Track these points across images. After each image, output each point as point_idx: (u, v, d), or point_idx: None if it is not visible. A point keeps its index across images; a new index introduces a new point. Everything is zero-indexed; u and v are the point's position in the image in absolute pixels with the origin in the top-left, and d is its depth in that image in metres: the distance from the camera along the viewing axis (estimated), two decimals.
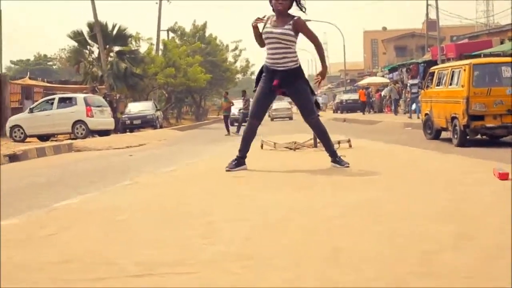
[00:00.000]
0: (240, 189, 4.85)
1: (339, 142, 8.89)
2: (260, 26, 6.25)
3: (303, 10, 6.21)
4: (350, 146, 8.95)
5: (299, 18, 6.22)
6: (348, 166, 6.12)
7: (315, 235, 2.99)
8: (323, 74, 6.54)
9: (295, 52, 6.25)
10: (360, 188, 4.61)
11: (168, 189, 4.93)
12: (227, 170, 6.17)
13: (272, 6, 6.19)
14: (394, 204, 3.74)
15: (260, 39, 6.29)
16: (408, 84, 31.86)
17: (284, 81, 6.18)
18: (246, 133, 6.47)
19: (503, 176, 4.73)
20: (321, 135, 6.49)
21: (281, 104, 45.26)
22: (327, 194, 4.40)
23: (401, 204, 3.74)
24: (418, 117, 27.08)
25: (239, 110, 26.66)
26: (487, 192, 4.12)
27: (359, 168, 5.93)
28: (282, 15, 6.16)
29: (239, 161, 6.31)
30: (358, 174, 5.59)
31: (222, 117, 26.36)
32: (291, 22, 6.14)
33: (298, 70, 6.29)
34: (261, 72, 6.41)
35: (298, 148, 8.92)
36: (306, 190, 4.63)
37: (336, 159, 6.31)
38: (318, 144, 8.93)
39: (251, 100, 25.68)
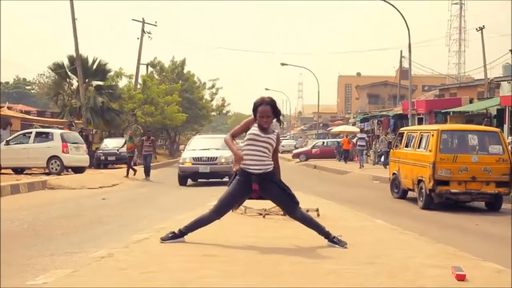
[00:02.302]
0: (208, 275, 5.07)
1: (307, 211, 9.17)
2: None
3: (281, 125, 6.80)
4: (318, 215, 9.20)
5: (278, 133, 6.73)
6: (346, 247, 6.45)
7: None
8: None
9: (270, 157, 6.61)
10: (321, 283, 4.86)
11: (137, 274, 5.11)
12: (161, 242, 6.55)
13: (256, 119, 6.57)
14: None
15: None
16: (357, 137, 33.05)
17: (260, 184, 6.49)
18: (202, 220, 6.68)
19: (460, 277, 5.05)
20: (309, 225, 6.73)
21: None
22: None
23: None
24: (361, 167, 29.70)
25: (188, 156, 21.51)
26: None
27: (325, 254, 6.15)
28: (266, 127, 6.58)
29: (178, 235, 6.62)
30: (322, 260, 5.81)
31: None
32: (275, 134, 6.62)
33: (272, 173, 6.60)
34: (235, 174, 6.67)
35: (268, 214, 9.18)
36: (272, 279, 4.89)
37: (332, 239, 6.58)
38: None
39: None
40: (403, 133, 16.69)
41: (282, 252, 6.18)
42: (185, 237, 6.64)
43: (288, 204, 6.68)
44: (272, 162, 6.59)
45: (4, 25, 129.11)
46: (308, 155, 41.91)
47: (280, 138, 6.93)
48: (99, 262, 5.64)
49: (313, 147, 44.00)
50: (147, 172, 23.59)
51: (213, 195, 13.80)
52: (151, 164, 24.32)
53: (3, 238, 8.95)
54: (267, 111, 6.48)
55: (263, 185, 6.51)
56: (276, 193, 6.61)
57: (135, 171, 24.08)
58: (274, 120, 6.72)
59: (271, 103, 6.56)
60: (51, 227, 10.28)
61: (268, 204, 9.38)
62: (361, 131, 34.83)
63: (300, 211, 6.70)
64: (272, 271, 5.25)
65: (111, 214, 12.39)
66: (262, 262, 5.69)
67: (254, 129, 6.56)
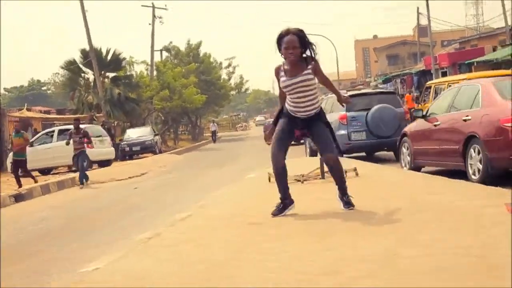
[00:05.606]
0: (262, 240, 4.91)
1: (345, 172, 8.96)
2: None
3: (315, 54, 6.02)
4: (357, 174, 9.02)
5: (317, 62, 6.03)
6: (351, 209, 6.00)
7: None
8: (343, 100, 6.50)
9: (316, 95, 6.11)
10: (377, 235, 4.68)
11: (188, 248, 4.98)
12: (273, 216, 6.04)
13: (281, 54, 5.99)
14: (412, 259, 3.81)
15: (283, 98, 6.20)
16: None
17: (305, 126, 6.14)
18: (276, 173, 6.19)
19: None
20: (335, 174, 6.25)
21: None
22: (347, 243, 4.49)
23: (420, 259, 3.81)
24: None
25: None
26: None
27: (371, 210, 5.94)
28: (296, 63, 5.97)
29: (284, 204, 6.17)
30: (370, 217, 5.60)
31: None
32: (310, 67, 5.94)
33: (319, 113, 6.15)
34: (280, 111, 6.26)
35: (306, 180, 8.99)
36: (328, 239, 4.71)
37: (344, 197, 6.16)
38: (325, 174, 9.01)
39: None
40: (431, 86, 16.36)
41: (329, 213, 5.98)
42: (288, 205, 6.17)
43: (326, 142, 6.09)
44: (318, 101, 6.13)
45: (12, 29, 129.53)
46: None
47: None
48: (147, 243, 5.49)
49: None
50: (81, 177, 17.34)
51: (247, 173, 13.70)
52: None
53: (41, 237, 8.86)
54: (293, 41, 5.83)
55: (308, 125, 6.11)
56: (318, 131, 6.10)
57: (30, 177, 17.96)
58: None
59: (299, 33, 5.89)
60: (89, 220, 10.23)
61: (305, 169, 9.27)
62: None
63: (336, 157, 6.16)
64: (326, 231, 5.06)
65: (147, 200, 12.32)
66: (314, 223, 5.51)
67: (283, 79, 6.02)
